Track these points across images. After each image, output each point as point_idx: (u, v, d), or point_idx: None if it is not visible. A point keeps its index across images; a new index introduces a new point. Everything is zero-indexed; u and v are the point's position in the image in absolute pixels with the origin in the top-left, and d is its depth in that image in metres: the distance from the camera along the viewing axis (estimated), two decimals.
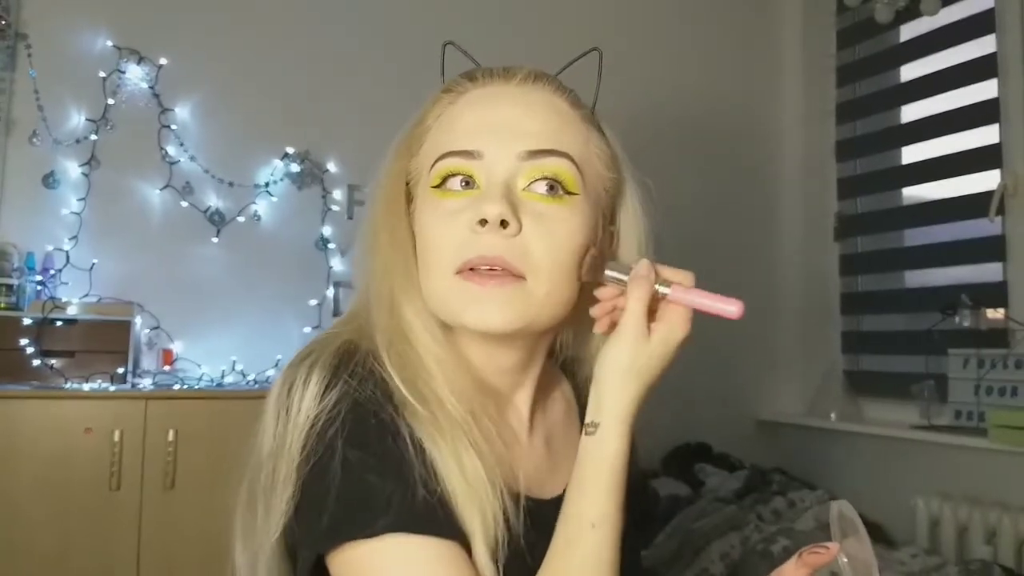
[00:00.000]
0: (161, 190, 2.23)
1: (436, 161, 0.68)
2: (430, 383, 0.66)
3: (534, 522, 0.66)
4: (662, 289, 0.66)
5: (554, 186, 0.67)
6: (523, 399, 0.76)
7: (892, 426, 2.43)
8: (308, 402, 0.63)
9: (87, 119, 2.16)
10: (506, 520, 0.63)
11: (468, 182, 0.67)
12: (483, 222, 0.64)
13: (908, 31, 2.64)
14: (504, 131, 0.67)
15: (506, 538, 0.63)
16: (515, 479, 0.67)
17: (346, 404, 0.63)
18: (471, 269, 0.65)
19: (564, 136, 0.69)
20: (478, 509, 0.62)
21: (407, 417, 0.64)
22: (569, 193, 0.68)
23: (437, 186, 0.68)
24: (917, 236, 2.62)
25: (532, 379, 0.75)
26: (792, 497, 2.26)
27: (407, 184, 0.74)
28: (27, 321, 1.92)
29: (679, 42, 2.85)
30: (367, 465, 0.61)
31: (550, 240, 0.66)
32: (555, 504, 0.67)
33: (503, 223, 0.64)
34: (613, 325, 0.67)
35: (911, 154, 2.63)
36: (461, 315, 0.66)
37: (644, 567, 0.85)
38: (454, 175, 0.68)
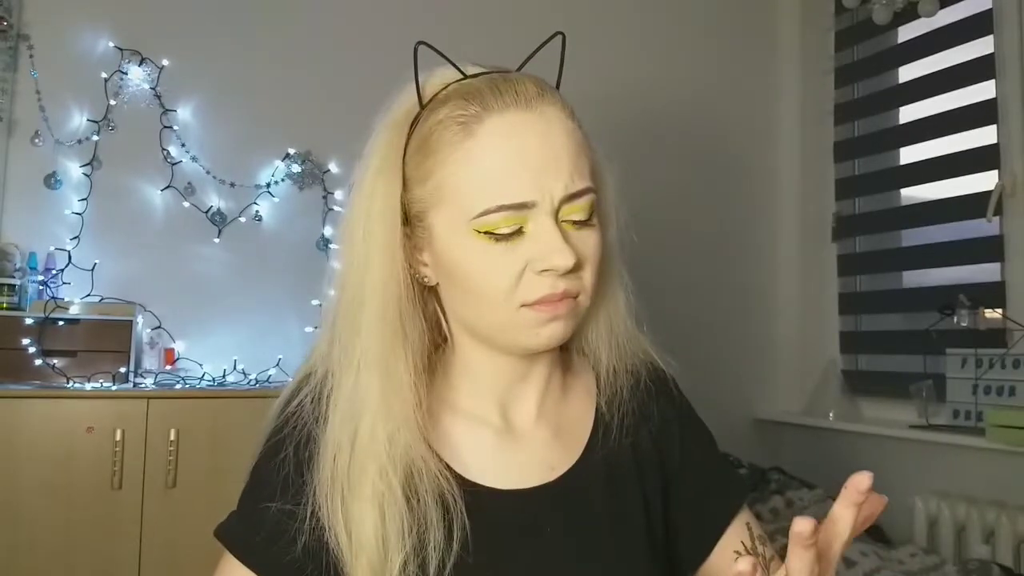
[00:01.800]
0: (163, 190, 2.24)
1: (484, 213, 0.68)
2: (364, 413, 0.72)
3: (496, 511, 0.73)
4: None
5: (586, 218, 0.72)
6: (530, 395, 0.80)
7: (890, 425, 2.44)
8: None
9: (89, 120, 2.17)
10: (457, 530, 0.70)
11: (518, 228, 0.69)
12: (548, 270, 0.69)
13: (906, 32, 2.64)
14: (546, 176, 0.68)
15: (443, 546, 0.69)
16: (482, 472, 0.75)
17: (271, 430, 0.77)
18: (538, 301, 0.70)
19: (584, 166, 0.71)
20: (363, 573, 0.69)
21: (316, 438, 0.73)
22: (593, 215, 0.72)
23: (483, 232, 0.69)
24: (915, 236, 2.63)
25: (538, 376, 0.80)
26: (790, 496, 2.26)
27: (403, 209, 0.73)
28: (29, 321, 1.93)
29: (678, 43, 2.85)
30: (252, 481, 0.76)
31: (591, 264, 0.72)
32: (546, 489, 0.75)
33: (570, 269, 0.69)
34: None
35: (909, 155, 2.64)
36: (533, 338, 0.72)
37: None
38: (504, 224, 0.68)
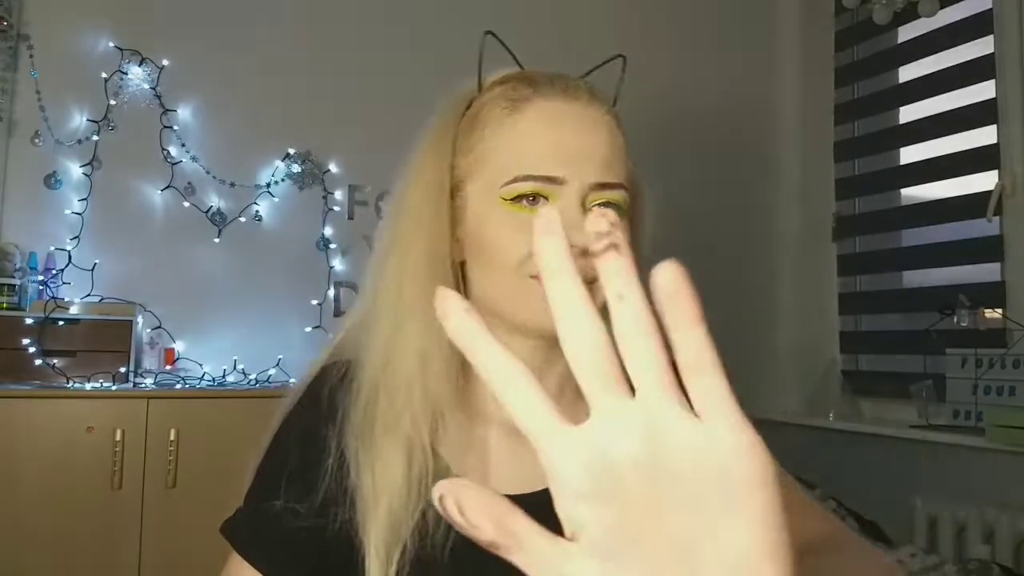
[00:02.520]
0: (163, 190, 2.24)
1: (513, 181, 0.70)
2: (397, 397, 0.72)
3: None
4: None
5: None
6: (547, 390, 0.78)
7: (890, 425, 2.44)
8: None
9: (89, 120, 2.17)
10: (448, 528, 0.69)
11: (539, 198, 0.70)
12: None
13: (906, 32, 2.64)
14: (580, 159, 0.70)
15: (417, 547, 0.68)
16: (488, 477, 0.73)
17: (278, 424, 0.78)
18: None
19: (621, 165, 0.72)
20: (381, 522, 0.68)
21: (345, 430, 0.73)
22: (622, 215, 0.72)
23: (509, 199, 0.71)
24: (915, 236, 2.63)
25: (557, 373, 0.78)
26: None
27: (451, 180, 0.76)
28: (29, 321, 1.93)
29: (677, 43, 2.85)
30: (261, 467, 0.78)
31: None
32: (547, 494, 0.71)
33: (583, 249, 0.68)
34: None
35: (909, 155, 2.64)
36: (542, 313, 0.69)
37: None
38: (531, 194, 0.70)
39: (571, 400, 0.80)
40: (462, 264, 0.76)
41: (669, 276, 0.29)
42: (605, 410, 0.29)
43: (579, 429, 0.29)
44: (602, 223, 0.30)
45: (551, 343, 0.75)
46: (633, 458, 0.28)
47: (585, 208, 0.70)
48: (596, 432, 0.29)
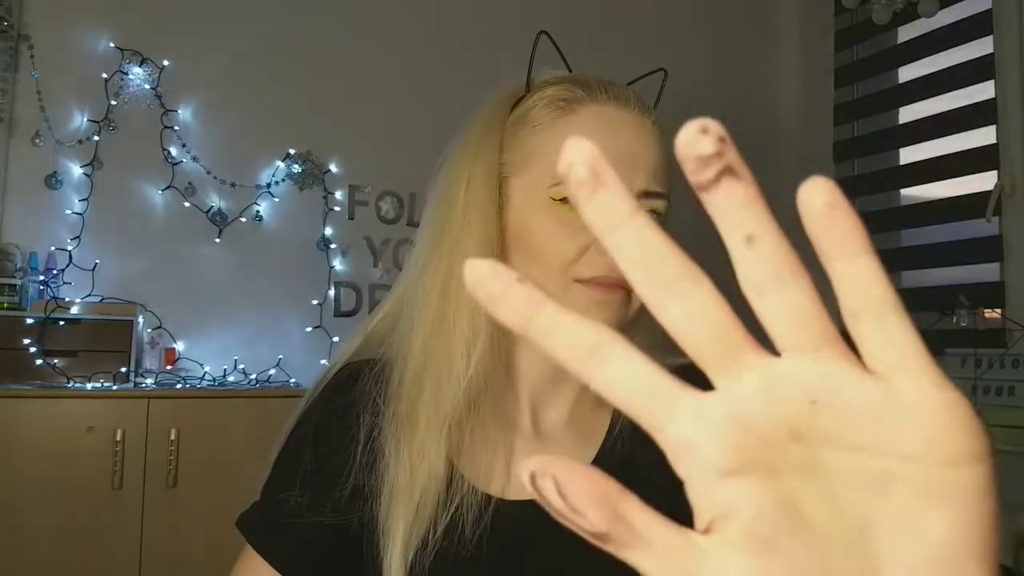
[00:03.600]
0: (163, 191, 2.24)
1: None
2: (430, 396, 0.71)
3: (509, 526, 0.70)
4: None
5: (658, 221, 0.71)
6: (565, 397, 0.78)
7: None
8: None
9: (89, 120, 2.17)
10: (462, 526, 0.69)
11: None
12: None
13: (906, 32, 2.65)
14: (628, 165, 0.70)
15: (441, 543, 0.68)
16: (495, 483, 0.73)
17: (298, 417, 0.77)
18: (592, 279, 0.70)
19: (664, 175, 0.72)
20: (404, 519, 0.68)
21: (380, 421, 0.72)
22: (662, 224, 0.72)
23: (559, 199, 0.71)
24: (915, 236, 2.63)
25: (573, 384, 0.77)
26: None
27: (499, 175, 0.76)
28: (30, 321, 1.93)
29: (677, 42, 2.85)
30: (278, 461, 0.76)
31: None
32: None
33: None
34: None
35: (909, 155, 2.64)
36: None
37: None
38: None
39: (593, 401, 0.79)
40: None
41: (821, 191, 0.23)
42: (744, 367, 0.23)
43: (710, 395, 0.23)
44: (704, 142, 0.23)
45: None
46: (791, 425, 0.23)
47: None
48: (737, 394, 0.23)
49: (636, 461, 0.78)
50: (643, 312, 0.73)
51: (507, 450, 0.75)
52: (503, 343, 0.75)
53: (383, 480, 0.70)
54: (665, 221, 0.74)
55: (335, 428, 0.74)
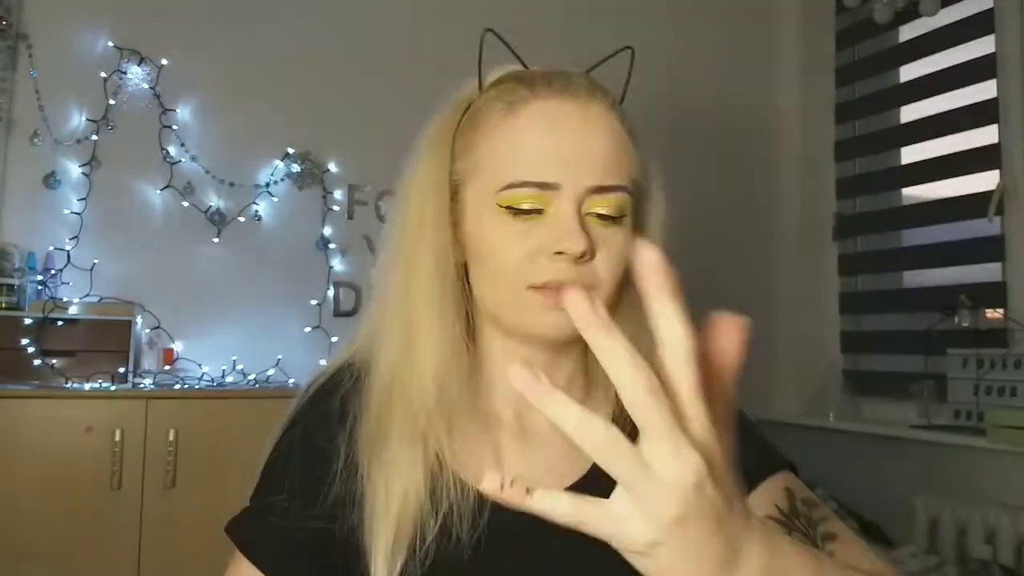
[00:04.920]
0: (162, 190, 2.24)
1: (509, 187, 0.69)
2: (400, 407, 0.72)
3: (509, 525, 0.68)
4: None
5: (614, 216, 0.70)
6: None
7: (891, 425, 2.43)
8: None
9: (88, 119, 2.17)
10: (453, 535, 0.69)
11: (539, 209, 0.69)
12: (561, 253, 0.67)
13: (907, 31, 2.64)
14: (575, 161, 0.69)
15: (433, 548, 0.68)
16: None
17: (285, 425, 0.78)
18: (545, 284, 0.69)
19: (623, 166, 0.71)
20: (385, 532, 0.68)
21: (358, 435, 0.73)
22: (623, 216, 0.71)
23: (506, 206, 0.70)
24: (916, 236, 2.63)
25: (560, 377, 0.77)
26: None
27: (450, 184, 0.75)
28: (28, 321, 1.93)
29: (678, 41, 2.85)
30: (267, 467, 0.77)
31: (611, 261, 0.70)
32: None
33: (582, 255, 0.68)
34: None
35: (910, 154, 2.64)
36: (537, 324, 0.70)
37: None
38: (526, 200, 0.69)
39: (579, 399, 0.79)
40: (464, 266, 0.75)
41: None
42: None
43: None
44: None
45: (556, 347, 0.75)
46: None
47: (582, 213, 0.69)
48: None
49: None
50: (629, 306, 0.72)
51: (494, 447, 0.75)
52: (471, 351, 0.75)
53: (364, 493, 0.70)
54: (636, 213, 0.73)
55: (318, 436, 0.74)
